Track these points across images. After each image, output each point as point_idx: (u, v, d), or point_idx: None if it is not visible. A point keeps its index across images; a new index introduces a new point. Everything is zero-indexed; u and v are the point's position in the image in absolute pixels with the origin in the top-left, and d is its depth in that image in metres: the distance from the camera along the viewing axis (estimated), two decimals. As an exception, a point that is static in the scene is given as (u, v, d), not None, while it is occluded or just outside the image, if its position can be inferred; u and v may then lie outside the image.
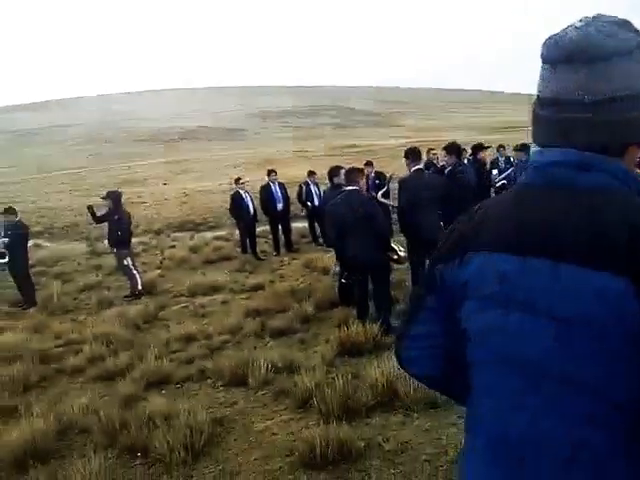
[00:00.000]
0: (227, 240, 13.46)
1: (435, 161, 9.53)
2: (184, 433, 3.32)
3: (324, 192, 7.05)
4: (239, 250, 11.33)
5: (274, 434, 3.50)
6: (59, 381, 5.18)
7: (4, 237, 8.54)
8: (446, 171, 6.66)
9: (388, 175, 7.32)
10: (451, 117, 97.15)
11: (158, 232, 17.52)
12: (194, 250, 12.23)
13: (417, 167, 5.75)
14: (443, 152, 7.26)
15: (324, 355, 4.60)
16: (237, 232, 12.02)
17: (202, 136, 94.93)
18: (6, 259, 8.36)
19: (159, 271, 10.31)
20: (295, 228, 11.93)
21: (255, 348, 4.99)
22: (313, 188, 11.22)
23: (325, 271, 8.37)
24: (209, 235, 15.17)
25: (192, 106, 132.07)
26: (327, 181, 7.36)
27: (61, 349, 6.16)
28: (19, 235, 8.75)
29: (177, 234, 16.73)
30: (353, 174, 5.28)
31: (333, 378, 3.99)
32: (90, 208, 8.61)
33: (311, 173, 11.49)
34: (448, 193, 5.55)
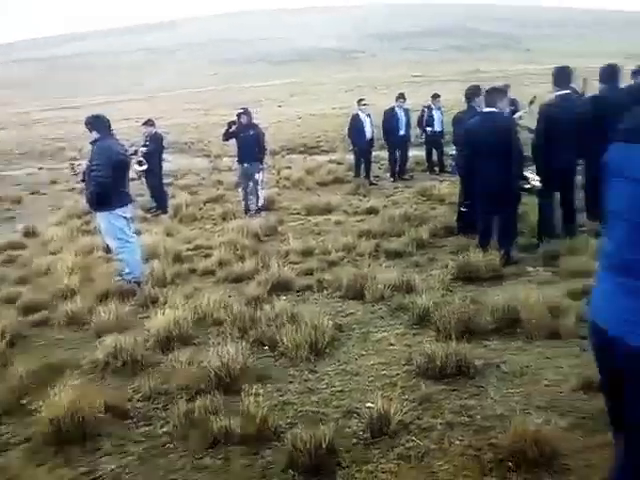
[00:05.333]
0: (339, 164, 13.56)
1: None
2: (309, 332, 3.58)
3: (457, 115, 6.77)
4: (352, 174, 11.39)
5: (391, 345, 3.66)
6: (192, 279, 5.73)
7: (143, 147, 9.27)
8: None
9: (531, 97, 6.89)
10: (602, 42, 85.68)
11: (273, 153, 18.01)
12: (309, 172, 12.49)
13: (563, 92, 5.26)
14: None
15: (441, 278, 4.63)
16: (351, 156, 12.03)
17: (318, 58, 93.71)
18: (145, 166, 9.07)
19: (277, 189, 10.72)
20: (411, 156, 11.69)
21: (370, 266, 5.11)
22: (436, 113, 10.79)
23: (441, 200, 8.24)
24: (322, 158, 15.34)
25: (307, 28, 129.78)
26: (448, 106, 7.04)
27: (191, 252, 6.77)
28: (157, 145, 9.45)
29: (291, 156, 17.10)
30: (494, 95, 5.02)
31: (451, 299, 4.04)
32: (230, 124, 8.90)
33: (435, 96, 10.99)
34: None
